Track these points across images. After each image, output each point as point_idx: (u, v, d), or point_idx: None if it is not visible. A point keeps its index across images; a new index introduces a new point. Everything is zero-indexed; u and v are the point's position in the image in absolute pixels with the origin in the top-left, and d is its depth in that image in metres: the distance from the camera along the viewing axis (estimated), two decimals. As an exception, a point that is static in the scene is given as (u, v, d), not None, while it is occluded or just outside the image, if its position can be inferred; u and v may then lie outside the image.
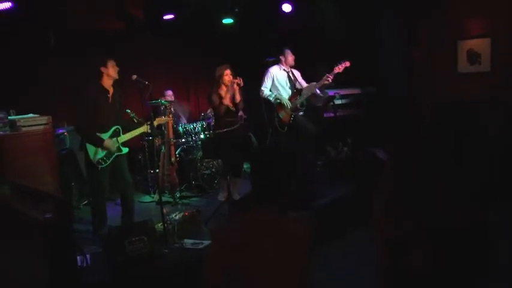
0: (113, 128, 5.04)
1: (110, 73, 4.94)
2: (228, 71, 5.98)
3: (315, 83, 6.46)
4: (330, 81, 6.30)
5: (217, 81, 6.02)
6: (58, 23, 6.40)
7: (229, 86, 5.98)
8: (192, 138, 7.21)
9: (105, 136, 4.95)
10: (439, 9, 7.71)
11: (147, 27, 7.39)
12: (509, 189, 4.58)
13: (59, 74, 6.61)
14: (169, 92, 7.56)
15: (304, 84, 6.65)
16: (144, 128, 5.33)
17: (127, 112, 6.52)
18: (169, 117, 6.38)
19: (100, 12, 6.74)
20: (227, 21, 7.80)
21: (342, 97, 7.91)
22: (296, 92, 6.54)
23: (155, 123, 5.33)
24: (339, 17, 7.86)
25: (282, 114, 6.50)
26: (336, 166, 7.11)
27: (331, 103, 7.63)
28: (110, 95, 5.00)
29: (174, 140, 6.71)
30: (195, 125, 7.23)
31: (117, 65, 5.01)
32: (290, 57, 6.56)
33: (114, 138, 5.02)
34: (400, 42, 8.08)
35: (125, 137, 5.13)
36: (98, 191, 5.07)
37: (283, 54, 6.56)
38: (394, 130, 6.44)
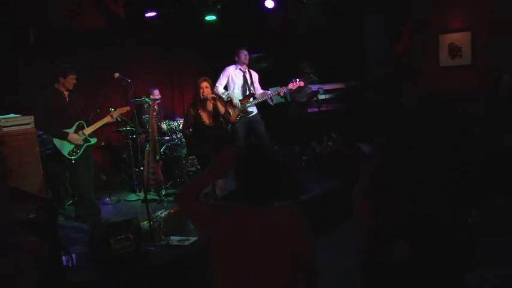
0: (76, 123, 5.24)
1: (66, 84, 5.13)
2: (204, 84, 5.55)
3: (269, 91, 6.81)
4: (282, 95, 6.81)
5: (198, 94, 5.60)
6: (39, 22, 6.32)
7: (204, 102, 5.61)
8: (176, 135, 7.19)
9: (69, 131, 5.16)
10: (421, 3, 7.79)
11: (129, 25, 7.34)
12: (493, 183, 4.65)
13: (40, 73, 6.52)
14: (156, 91, 7.50)
15: (258, 88, 6.85)
16: (107, 119, 5.54)
17: (110, 110, 6.48)
18: (153, 115, 6.36)
19: (81, 10, 6.67)
20: (210, 18, 7.78)
21: (325, 92, 7.96)
22: (249, 95, 6.71)
23: (118, 112, 5.65)
24: (323, 12, 7.89)
25: (230, 112, 6.45)
26: (321, 161, 7.15)
27: (315, 98, 7.68)
28: (65, 95, 5.19)
29: (159, 138, 6.68)
30: (179, 122, 7.21)
31: (77, 79, 5.16)
32: (243, 57, 6.67)
33: (80, 132, 5.22)
34: (383, 37, 8.15)
35: (89, 129, 5.33)
36: (83, 190, 5.23)
37: (237, 54, 6.69)
38: (378, 123, 6.50)
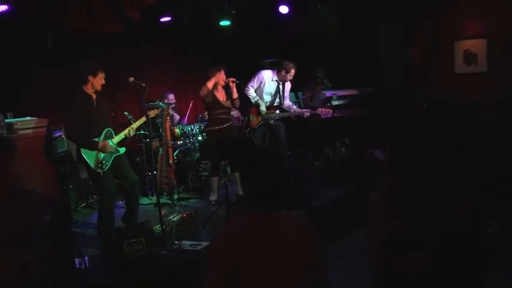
0: (105, 131, 4.96)
1: (95, 84, 4.82)
2: (223, 72, 6.10)
3: (294, 107, 6.87)
4: (305, 116, 6.78)
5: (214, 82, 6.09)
6: (55, 25, 6.39)
7: (220, 86, 6.15)
8: (189, 140, 7.21)
9: (98, 140, 4.88)
10: (436, 10, 7.74)
11: (144, 29, 7.39)
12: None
13: (57, 76, 6.59)
14: (171, 96, 7.52)
15: (287, 99, 6.87)
16: (134, 125, 5.31)
17: (125, 114, 6.53)
18: (167, 119, 6.39)
19: (98, 14, 6.72)
20: (224, 23, 7.80)
21: (339, 98, 7.93)
22: (276, 107, 6.74)
23: (137, 123, 5.36)
24: (337, 18, 7.87)
25: (253, 117, 6.66)
26: (334, 167, 7.12)
27: (329, 104, 7.66)
28: (93, 100, 4.89)
29: (172, 142, 6.71)
30: (192, 127, 7.23)
31: (105, 79, 4.89)
32: (289, 77, 6.62)
33: (108, 141, 4.95)
34: (397, 43, 8.10)
35: (118, 138, 5.06)
36: (106, 196, 4.96)
37: (287, 70, 6.57)
38: (392, 130, 6.46)
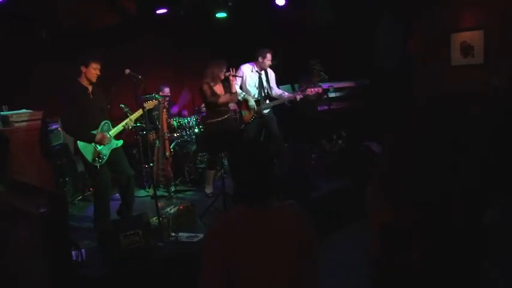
0: (102, 123, 4.94)
1: (89, 75, 4.78)
2: (224, 68, 6.02)
3: (285, 94, 6.71)
4: (298, 99, 6.57)
5: (213, 76, 5.99)
6: (51, 18, 6.36)
7: (220, 79, 6.08)
8: (186, 132, 7.21)
9: (96, 132, 4.86)
10: (433, 2, 7.72)
11: (140, 22, 7.36)
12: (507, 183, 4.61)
13: (53, 69, 6.56)
14: (167, 89, 7.50)
15: (274, 87, 6.76)
16: (133, 116, 5.28)
17: (121, 107, 6.51)
18: (163, 112, 6.38)
19: (93, 7, 6.70)
20: (220, 15, 7.78)
21: (336, 90, 7.93)
22: (265, 97, 6.63)
23: (135, 115, 5.30)
24: (334, 9, 7.85)
25: (245, 113, 6.59)
26: (330, 159, 7.13)
27: (325, 96, 7.66)
28: (90, 92, 4.86)
29: (169, 135, 6.71)
30: (189, 119, 7.23)
31: (101, 70, 4.82)
32: (267, 62, 6.52)
33: (106, 133, 4.92)
34: (394, 35, 8.09)
35: (115, 130, 5.04)
36: (102, 190, 4.96)
37: (263, 55, 6.49)
38: (389, 122, 6.47)
